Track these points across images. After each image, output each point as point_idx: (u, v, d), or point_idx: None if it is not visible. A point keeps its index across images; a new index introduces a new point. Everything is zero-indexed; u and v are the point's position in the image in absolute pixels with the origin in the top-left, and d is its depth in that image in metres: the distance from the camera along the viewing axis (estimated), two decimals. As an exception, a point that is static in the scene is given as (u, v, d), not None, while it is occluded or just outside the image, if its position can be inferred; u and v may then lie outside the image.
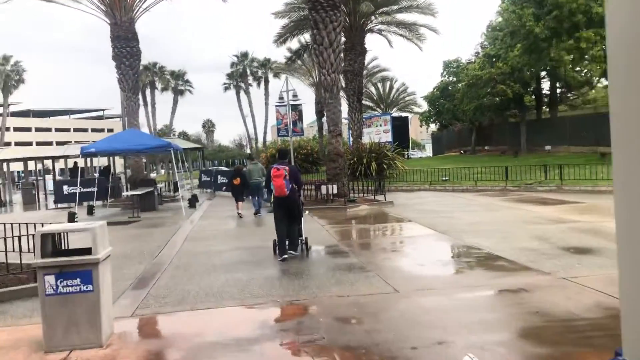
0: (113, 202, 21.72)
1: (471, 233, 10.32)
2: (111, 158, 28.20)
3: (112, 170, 25.60)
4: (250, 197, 15.84)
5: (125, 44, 22.26)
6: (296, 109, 27.99)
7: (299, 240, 9.02)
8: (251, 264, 8.46)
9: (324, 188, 16.04)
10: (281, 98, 26.82)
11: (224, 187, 22.35)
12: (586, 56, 21.14)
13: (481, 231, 10.47)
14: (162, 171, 47.94)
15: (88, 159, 29.09)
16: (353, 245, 9.98)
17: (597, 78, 25.04)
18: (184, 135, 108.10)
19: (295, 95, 26.81)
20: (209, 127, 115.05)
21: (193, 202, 18.92)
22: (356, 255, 8.77)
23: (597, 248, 8.30)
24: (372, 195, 17.33)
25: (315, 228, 11.71)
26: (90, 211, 18.10)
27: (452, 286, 6.56)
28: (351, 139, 30.57)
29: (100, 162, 27.66)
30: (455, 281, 6.86)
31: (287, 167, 8.57)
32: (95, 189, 19.57)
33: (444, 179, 22.24)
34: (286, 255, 8.48)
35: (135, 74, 22.92)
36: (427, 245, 9.63)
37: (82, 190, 20.92)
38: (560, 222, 11.05)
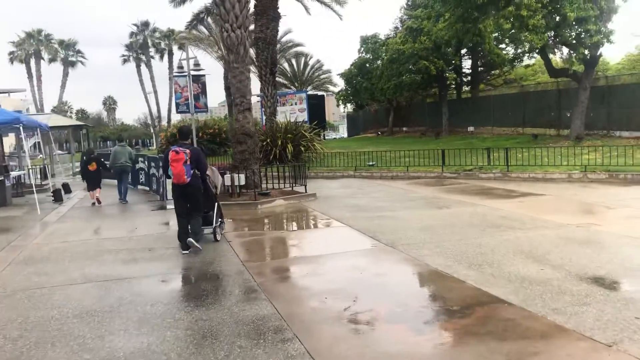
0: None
1: (430, 246, 7.34)
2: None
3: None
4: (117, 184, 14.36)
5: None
6: (199, 80, 23.89)
7: (213, 229, 8.20)
8: (95, 319, 4.93)
9: (228, 178, 12.45)
10: (181, 67, 22.66)
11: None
12: (524, 27, 18.89)
13: (443, 243, 7.52)
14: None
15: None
16: (265, 272, 6.64)
17: (532, 52, 23.13)
18: (82, 113, 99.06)
19: (197, 64, 22.75)
20: (110, 104, 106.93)
21: (59, 194, 14.69)
22: (270, 296, 5.47)
23: (633, 278, 5.58)
24: (290, 185, 14.03)
25: (213, 239, 8.27)
26: None
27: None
28: (264, 118, 27.04)
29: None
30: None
31: (187, 150, 7.41)
32: None
33: (370, 164, 19.40)
34: (191, 249, 7.56)
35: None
36: (375, 272, 6.39)
37: None
38: (541, 227, 8.35)
